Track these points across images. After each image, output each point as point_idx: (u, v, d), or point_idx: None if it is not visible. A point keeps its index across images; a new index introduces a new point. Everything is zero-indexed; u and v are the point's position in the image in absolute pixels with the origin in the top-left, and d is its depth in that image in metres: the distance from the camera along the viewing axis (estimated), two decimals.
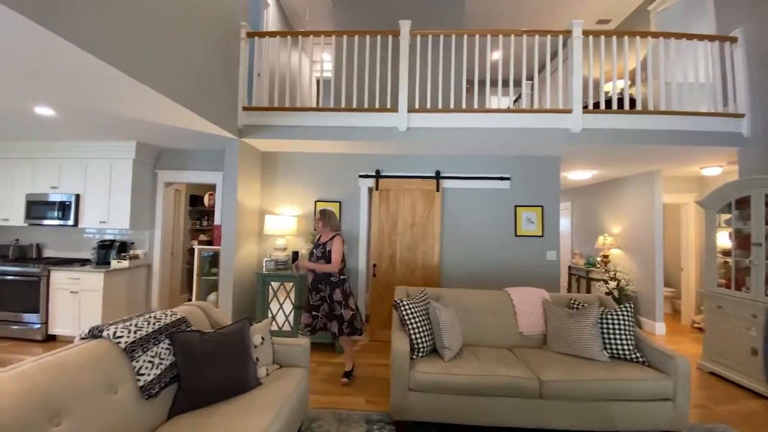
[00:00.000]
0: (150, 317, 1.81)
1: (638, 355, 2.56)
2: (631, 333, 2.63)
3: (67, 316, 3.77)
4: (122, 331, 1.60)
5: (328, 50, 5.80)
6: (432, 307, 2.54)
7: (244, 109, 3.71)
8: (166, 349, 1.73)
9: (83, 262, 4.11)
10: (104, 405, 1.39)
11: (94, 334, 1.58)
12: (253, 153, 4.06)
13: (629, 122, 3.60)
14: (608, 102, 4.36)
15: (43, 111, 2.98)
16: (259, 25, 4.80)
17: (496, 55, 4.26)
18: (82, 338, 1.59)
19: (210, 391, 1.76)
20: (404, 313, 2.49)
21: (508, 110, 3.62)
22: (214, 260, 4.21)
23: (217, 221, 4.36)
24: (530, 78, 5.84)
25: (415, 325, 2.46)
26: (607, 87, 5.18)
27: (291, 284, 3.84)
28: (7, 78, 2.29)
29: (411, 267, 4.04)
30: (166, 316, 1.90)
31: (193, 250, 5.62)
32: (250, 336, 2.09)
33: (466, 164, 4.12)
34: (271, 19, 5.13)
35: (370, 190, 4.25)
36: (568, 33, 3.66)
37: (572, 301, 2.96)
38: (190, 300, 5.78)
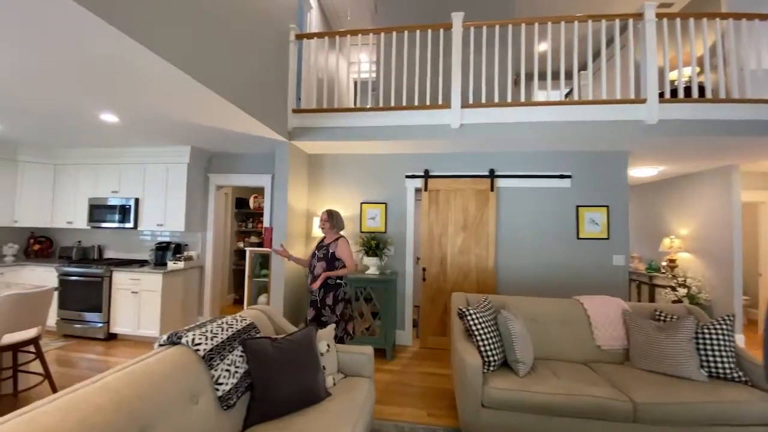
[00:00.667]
0: (222, 323, 1.76)
1: (740, 373, 2.24)
2: (732, 348, 2.32)
3: (128, 316, 3.91)
4: (200, 338, 1.54)
5: (371, 51, 5.73)
6: (502, 317, 2.35)
7: (294, 111, 3.69)
8: (240, 356, 1.67)
9: (141, 263, 4.26)
10: (187, 417, 1.33)
11: (173, 340, 1.54)
12: (300, 155, 4.03)
13: (711, 112, 3.22)
14: (682, 90, 3.98)
15: (108, 117, 3.08)
16: (303, 28, 4.81)
17: (552, 44, 3.99)
18: (161, 345, 1.55)
19: (283, 402, 1.68)
20: (471, 323, 2.31)
21: (571, 102, 3.35)
22: (263, 262, 4.22)
23: (266, 223, 4.38)
24: (584, 68, 5.47)
25: (484, 337, 2.27)
26: (673, 75, 4.75)
27: None
28: (81, 84, 2.36)
29: (464, 271, 3.84)
30: (237, 321, 1.84)
31: (241, 251, 5.74)
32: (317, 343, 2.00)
33: (523, 161, 3.87)
34: (314, 22, 5.13)
35: (417, 190, 4.10)
36: (638, 16, 3.35)
37: (657, 313, 2.66)
38: (237, 300, 5.89)
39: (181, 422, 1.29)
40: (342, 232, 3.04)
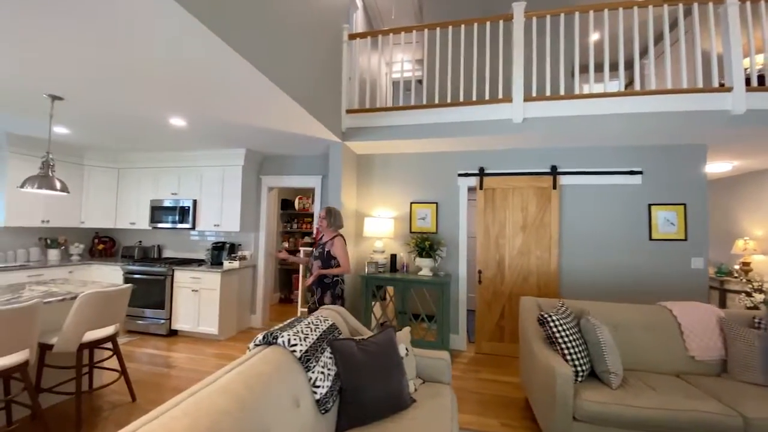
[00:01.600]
0: (309, 323, 1.73)
1: None
2: None
3: (189, 313, 4.03)
4: (294, 339, 1.51)
5: (415, 50, 5.65)
6: (589, 324, 2.19)
7: (348, 111, 3.68)
8: (329, 358, 1.63)
9: (198, 262, 4.39)
10: (292, 420, 1.29)
11: (269, 340, 1.52)
12: (351, 156, 4.01)
13: None
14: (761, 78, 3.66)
15: (177, 122, 3.18)
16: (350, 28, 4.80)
17: (623, 30, 3.72)
18: (257, 344, 1.53)
19: (374, 407, 1.62)
20: (555, 329, 2.17)
21: (646, 92, 3.11)
22: None
23: (315, 224, 4.39)
24: (646, 56, 5.12)
25: (569, 345, 2.12)
26: (747, 62, 4.34)
27: (392, 287, 3.70)
28: (160, 87, 2.42)
29: (523, 274, 3.66)
30: (321, 321, 1.81)
31: (286, 251, 5.81)
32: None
33: (588, 157, 3.64)
34: (359, 22, 5.12)
35: (470, 189, 3.96)
36: None
37: (756, 320, 2.39)
38: (282, 299, 5.98)
39: (290, 426, 1.26)
40: (341, 231, 3.00)
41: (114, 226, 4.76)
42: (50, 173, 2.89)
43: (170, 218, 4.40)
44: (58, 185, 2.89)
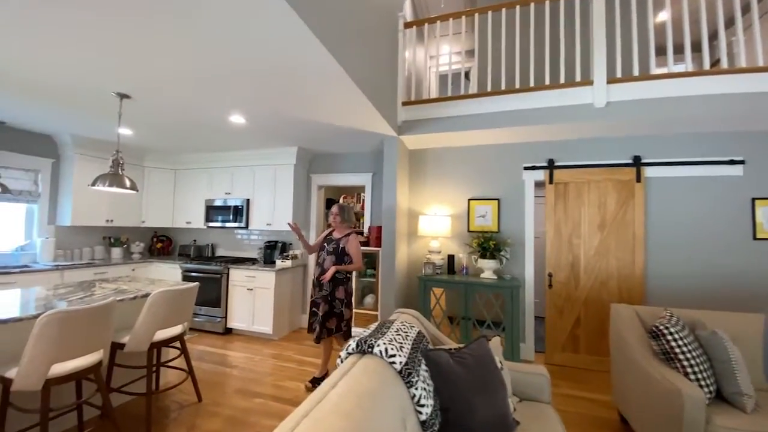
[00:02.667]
0: (398, 330, 1.55)
1: None
2: None
3: (244, 312, 4.03)
4: (392, 349, 1.34)
5: (463, 40, 5.39)
6: (717, 338, 1.86)
7: (404, 104, 3.50)
8: (426, 371, 1.44)
9: (251, 261, 4.40)
10: None
11: (363, 349, 1.36)
12: (403, 151, 3.83)
13: None
14: None
15: (236, 119, 3.15)
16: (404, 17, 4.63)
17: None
18: (349, 353, 1.38)
19: (480, 430, 1.42)
20: (673, 344, 1.85)
21: (748, 69, 2.66)
22: (368, 261, 4.08)
23: (366, 222, 4.26)
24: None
25: (692, 362, 1.80)
26: None
27: (447, 290, 3.47)
28: (229, 81, 2.36)
29: (601, 277, 3.30)
30: (408, 328, 1.63)
31: None
32: None
33: (677, 145, 3.21)
34: (407, 13, 4.94)
35: (538, 184, 3.65)
36: None
37: None
38: None
39: None
40: (347, 227, 3.03)
41: (171, 225, 4.89)
42: (120, 171, 2.94)
43: (224, 217, 4.44)
44: (128, 183, 2.93)
